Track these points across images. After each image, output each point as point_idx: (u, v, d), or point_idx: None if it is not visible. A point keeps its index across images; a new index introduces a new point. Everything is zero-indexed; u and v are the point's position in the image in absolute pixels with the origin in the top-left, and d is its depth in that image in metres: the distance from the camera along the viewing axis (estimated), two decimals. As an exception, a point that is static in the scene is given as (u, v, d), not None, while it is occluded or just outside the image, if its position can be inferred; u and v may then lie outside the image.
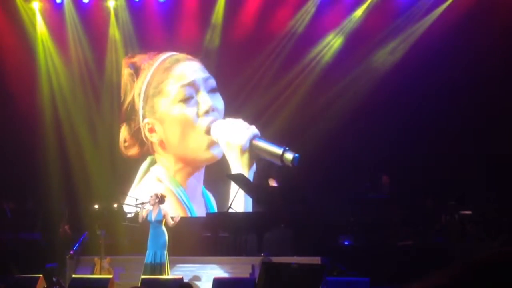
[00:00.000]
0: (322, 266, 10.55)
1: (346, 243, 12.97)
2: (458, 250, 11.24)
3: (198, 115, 14.25)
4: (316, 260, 11.10)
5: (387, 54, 14.12)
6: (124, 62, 14.91)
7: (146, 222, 11.00)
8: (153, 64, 14.62)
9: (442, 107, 13.56)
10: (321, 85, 14.29)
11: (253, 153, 13.96)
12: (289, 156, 13.57)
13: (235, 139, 13.94)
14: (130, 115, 14.77)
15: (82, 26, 15.12)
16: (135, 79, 14.65)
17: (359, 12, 14.30)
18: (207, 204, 14.32)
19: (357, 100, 13.78)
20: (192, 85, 14.39)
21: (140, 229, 11.98)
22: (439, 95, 13.63)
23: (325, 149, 13.45)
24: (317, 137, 13.59)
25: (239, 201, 13.29)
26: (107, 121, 15.09)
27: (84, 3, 15.06)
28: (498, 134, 12.93)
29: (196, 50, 14.80)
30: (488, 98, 13.22)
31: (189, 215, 14.16)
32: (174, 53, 14.74)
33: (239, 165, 13.92)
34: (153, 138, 14.57)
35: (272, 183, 13.75)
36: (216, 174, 14.20)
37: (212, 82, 14.42)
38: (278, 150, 13.70)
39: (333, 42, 14.45)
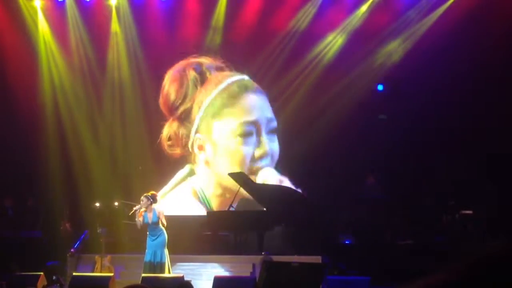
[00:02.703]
0: (322, 265, 10.56)
1: (346, 242, 12.98)
2: (458, 249, 11.23)
3: (253, 158, 13.97)
4: (317, 259, 11.10)
5: (389, 53, 14.10)
6: (188, 61, 14.40)
7: (144, 224, 10.92)
8: (221, 82, 14.19)
9: (443, 106, 13.54)
10: (323, 84, 14.28)
11: None
12: None
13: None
14: (183, 119, 14.36)
15: (83, 23, 15.12)
16: (199, 87, 14.24)
17: (362, 9, 14.28)
18: None
19: (359, 98, 13.77)
20: (255, 124, 14.08)
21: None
22: (440, 94, 13.61)
23: (327, 148, 13.44)
24: (319, 136, 13.58)
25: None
26: (108, 118, 15.09)
27: (85, 1, 15.06)
28: (499, 133, 12.91)
29: (197, 48, 14.77)
30: (490, 97, 13.21)
31: None
32: (244, 76, 14.31)
33: None
34: (200, 155, 14.28)
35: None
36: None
37: (274, 124, 14.16)
38: None
39: (335, 40, 14.44)
